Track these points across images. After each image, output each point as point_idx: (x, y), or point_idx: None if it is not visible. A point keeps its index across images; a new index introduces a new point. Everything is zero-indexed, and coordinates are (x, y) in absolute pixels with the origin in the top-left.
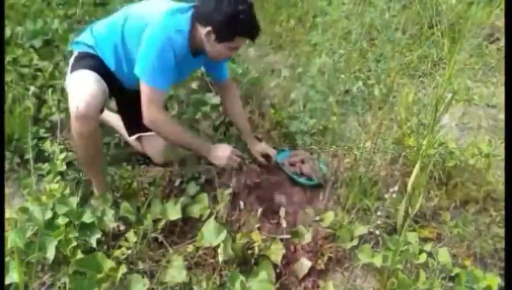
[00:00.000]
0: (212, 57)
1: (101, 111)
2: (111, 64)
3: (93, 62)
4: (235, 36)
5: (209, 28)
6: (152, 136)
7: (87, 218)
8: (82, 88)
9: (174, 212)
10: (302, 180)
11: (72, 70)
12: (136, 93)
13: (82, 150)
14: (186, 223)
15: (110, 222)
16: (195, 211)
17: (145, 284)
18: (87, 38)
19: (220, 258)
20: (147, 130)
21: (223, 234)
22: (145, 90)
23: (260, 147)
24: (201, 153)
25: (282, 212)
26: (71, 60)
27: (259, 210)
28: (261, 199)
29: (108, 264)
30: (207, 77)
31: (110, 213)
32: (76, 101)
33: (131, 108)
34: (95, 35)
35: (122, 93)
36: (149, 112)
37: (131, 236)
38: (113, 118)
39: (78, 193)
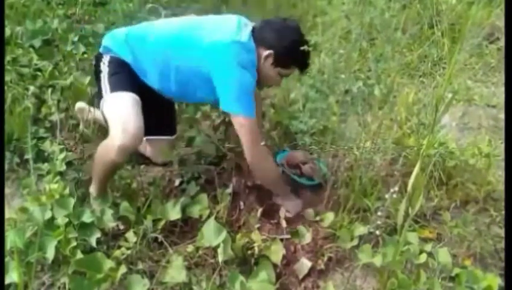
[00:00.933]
0: (263, 79)
1: None
2: (153, 80)
3: (129, 78)
4: (291, 64)
5: (270, 52)
6: (159, 139)
7: (87, 218)
8: (126, 119)
9: (174, 213)
10: (302, 180)
11: (112, 88)
12: (152, 94)
13: (103, 171)
14: (186, 223)
15: (110, 222)
16: (195, 211)
17: (145, 285)
18: (122, 48)
19: (220, 258)
20: (156, 132)
21: (223, 234)
22: (244, 123)
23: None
24: (277, 196)
25: (282, 212)
26: (106, 66)
27: (259, 210)
28: (261, 199)
29: (108, 264)
30: None
31: (109, 213)
32: (122, 133)
33: (146, 108)
34: (133, 46)
35: (143, 94)
36: (256, 149)
37: (131, 236)
38: None
39: (77, 192)
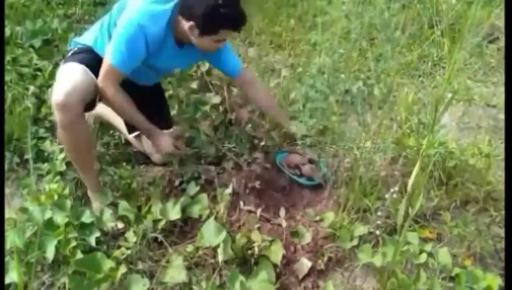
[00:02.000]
0: (201, 49)
1: (91, 105)
2: (141, 60)
3: (87, 56)
4: (218, 29)
5: (191, 23)
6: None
7: (86, 218)
8: (65, 79)
9: (174, 213)
10: (302, 180)
11: (64, 62)
12: (140, 91)
13: (67, 144)
14: (186, 223)
15: (109, 222)
16: (195, 211)
17: (145, 284)
18: (87, 37)
19: (220, 258)
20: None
21: (223, 234)
22: (105, 65)
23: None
24: (145, 134)
25: (282, 212)
26: (67, 55)
27: (259, 210)
28: (261, 199)
29: (108, 264)
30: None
31: (109, 213)
32: (57, 92)
33: (138, 108)
34: (94, 32)
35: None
36: (103, 82)
37: (131, 236)
38: (112, 115)
39: (77, 192)
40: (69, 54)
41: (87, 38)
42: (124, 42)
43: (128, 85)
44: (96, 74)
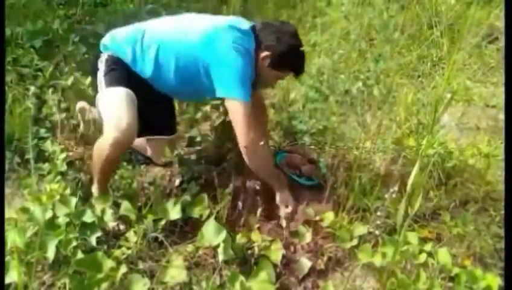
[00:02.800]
0: (259, 79)
1: None
2: (152, 77)
3: (125, 75)
4: (287, 68)
5: (268, 53)
6: (159, 139)
7: (88, 217)
8: (120, 113)
9: (174, 212)
10: (302, 180)
11: (107, 84)
12: (154, 95)
13: (101, 169)
14: (186, 223)
15: (110, 221)
16: (195, 211)
17: (146, 284)
18: (121, 46)
19: (220, 258)
20: (156, 132)
21: (223, 234)
22: (239, 108)
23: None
24: (273, 187)
25: (282, 212)
26: (103, 63)
27: (259, 210)
28: (261, 199)
29: (109, 264)
30: None
31: (110, 212)
32: (115, 128)
33: (146, 109)
34: (131, 44)
35: (141, 93)
36: (250, 133)
37: (131, 236)
38: None
39: (78, 192)
40: (105, 63)
41: (122, 50)
42: (236, 72)
43: (141, 86)
44: (133, 90)
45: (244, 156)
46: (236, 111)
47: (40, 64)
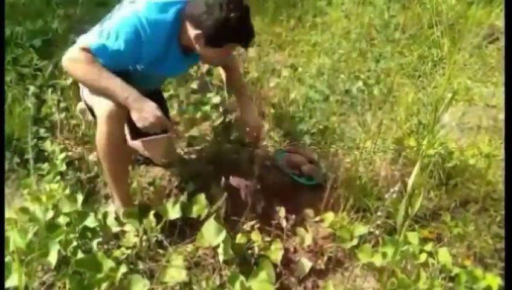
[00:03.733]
0: (204, 60)
1: None
2: (128, 62)
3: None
4: (225, 43)
5: (198, 32)
6: (153, 139)
7: (90, 222)
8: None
9: (174, 212)
10: (302, 180)
11: None
12: (144, 94)
13: (112, 156)
14: (186, 223)
15: (113, 226)
16: (195, 211)
17: (145, 285)
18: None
19: (220, 258)
20: (149, 133)
21: (223, 234)
22: (80, 47)
23: (252, 119)
24: (119, 101)
25: (282, 212)
26: None
27: (260, 208)
28: (262, 198)
29: (108, 264)
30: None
31: (112, 217)
32: (105, 102)
33: None
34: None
35: None
36: (69, 63)
37: (131, 236)
38: None
39: (80, 193)
40: None
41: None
42: (115, 39)
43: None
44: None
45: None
46: (75, 47)
47: (40, 64)
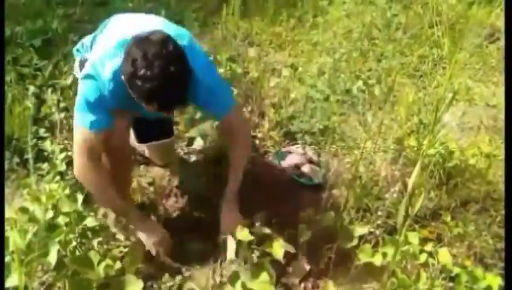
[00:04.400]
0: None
1: None
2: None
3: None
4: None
5: (122, 77)
6: (156, 144)
7: (90, 222)
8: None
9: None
10: (302, 180)
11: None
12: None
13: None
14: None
15: (113, 227)
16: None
17: (140, 286)
18: (86, 46)
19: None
20: (153, 138)
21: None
22: (75, 133)
23: (229, 218)
24: (128, 222)
25: (283, 211)
26: (77, 67)
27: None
28: (261, 198)
29: (104, 262)
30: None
31: (112, 217)
32: (78, 136)
33: (141, 117)
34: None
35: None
36: (80, 160)
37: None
38: None
39: (79, 193)
40: (79, 64)
41: (87, 49)
42: (82, 103)
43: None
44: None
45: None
46: (74, 136)
47: (40, 63)
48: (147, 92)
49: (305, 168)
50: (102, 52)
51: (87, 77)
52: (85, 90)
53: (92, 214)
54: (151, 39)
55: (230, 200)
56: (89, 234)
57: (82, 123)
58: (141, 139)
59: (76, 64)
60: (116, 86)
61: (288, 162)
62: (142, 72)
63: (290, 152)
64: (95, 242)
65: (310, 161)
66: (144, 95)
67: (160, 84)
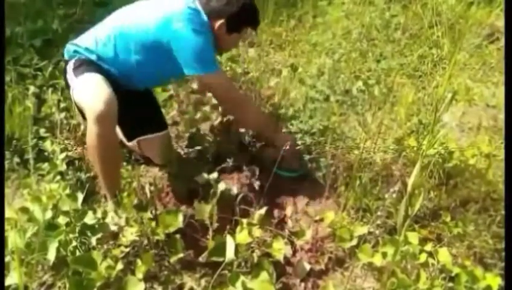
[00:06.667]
0: (222, 45)
1: None
2: (117, 70)
3: (94, 67)
4: (243, 26)
5: (222, 21)
6: (150, 138)
7: (89, 219)
8: (96, 89)
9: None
10: (284, 173)
11: (77, 75)
12: (133, 96)
13: (102, 157)
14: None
15: (112, 224)
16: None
17: (141, 287)
18: (87, 48)
19: (221, 258)
20: (145, 132)
21: (223, 234)
22: (216, 77)
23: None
24: (270, 136)
25: (288, 211)
26: (69, 68)
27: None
28: (261, 198)
29: (105, 262)
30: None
31: (111, 215)
32: (94, 103)
33: (128, 112)
34: (97, 43)
35: (118, 95)
36: (235, 93)
37: (129, 235)
38: None
39: (80, 192)
40: (72, 65)
41: (86, 49)
42: (199, 51)
43: (116, 86)
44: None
45: (238, 117)
46: (211, 83)
47: (40, 63)
48: (255, 14)
49: (286, 159)
50: (187, 14)
51: (197, 29)
52: (202, 41)
53: (91, 211)
54: None
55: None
56: (88, 232)
57: (215, 68)
58: (133, 135)
59: (70, 66)
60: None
61: (264, 154)
62: (247, 1)
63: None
64: (94, 240)
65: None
66: (253, 16)
67: (254, 4)
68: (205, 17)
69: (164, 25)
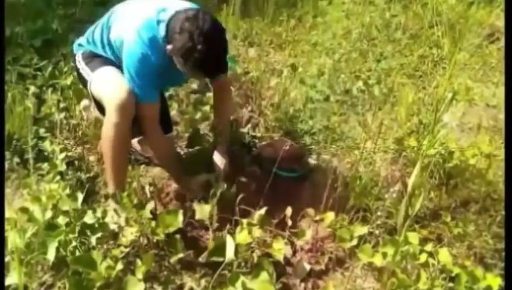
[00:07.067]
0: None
1: None
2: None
3: (106, 60)
4: (191, 66)
5: (171, 46)
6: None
7: (89, 219)
8: (115, 81)
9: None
10: (283, 173)
11: (93, 69)
12: None
13: (115, 147)
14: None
15: (111, 223)
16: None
17: (141, 287)
18: (91, 42)
19: (221, 258)
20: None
21: (224, 234)
22: (139, 109)
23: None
24: (176, 182)
25: (288, 211)
26: (80, 60)
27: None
28: (261, 198)
29: (105, 263)
30: None
31: (111, 214)
32: (114, 93)
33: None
34: (98, 39)
35: None
36: (147, 129)
37: (129, 235)
38: None
39: (80, 192)
40: (82, 58)
41: (93, 42)
42: (136, 75)
43: None
44: None
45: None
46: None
47: (40, 63)
48: (202, 62)
49: (285, 159)
50: (141, 22)
51: (137, 53)
52: (139, 67)
53: (90, 211)
54: (200, 15)
55: (222, 144)
56: (88, 231)
57: (146, 99)
58: (136, 132)
59: (79, 57)
60: (156, 55)
61: (263, 155)
62: (199, 46)
63: (270, 146)
64: (93, 240)
65: (290, 152)
66: (201, 64)
67: (215, 55)
68: (162, 31)
69: (122, 43)
